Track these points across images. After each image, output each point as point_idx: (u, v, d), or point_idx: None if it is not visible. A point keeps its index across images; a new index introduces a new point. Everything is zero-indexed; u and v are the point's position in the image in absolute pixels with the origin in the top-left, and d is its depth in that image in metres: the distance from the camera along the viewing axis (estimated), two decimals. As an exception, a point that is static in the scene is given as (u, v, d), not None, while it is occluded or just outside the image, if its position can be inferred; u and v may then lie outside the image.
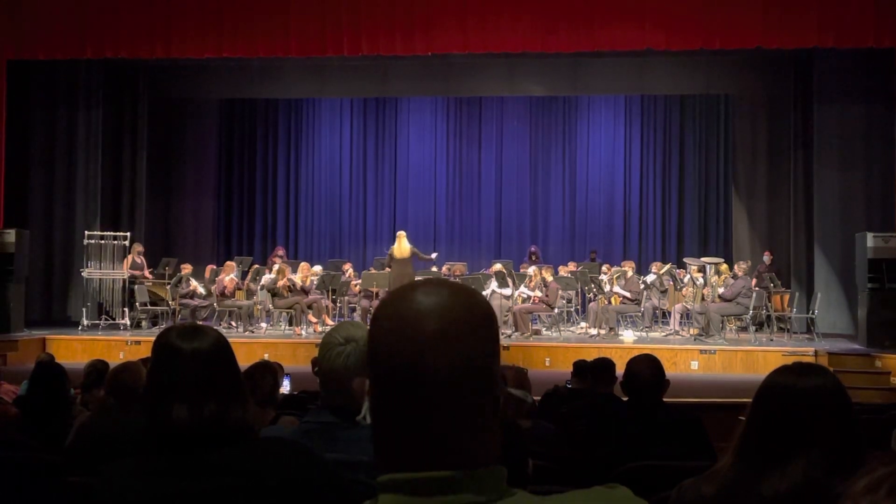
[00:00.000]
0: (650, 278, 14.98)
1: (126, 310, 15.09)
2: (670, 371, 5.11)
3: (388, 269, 15.23)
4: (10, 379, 7.28)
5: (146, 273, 15.56)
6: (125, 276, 15.23)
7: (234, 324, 14.92)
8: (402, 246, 14.51)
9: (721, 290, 13.92)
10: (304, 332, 14.08)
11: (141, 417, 1.96)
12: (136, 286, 14.99)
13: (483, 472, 1.13)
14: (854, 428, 2.05)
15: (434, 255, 15.50)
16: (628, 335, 14.08)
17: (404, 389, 1.13)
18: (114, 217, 16.81)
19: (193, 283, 14.94)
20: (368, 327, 1.21)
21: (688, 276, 14.87)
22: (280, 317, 15.01)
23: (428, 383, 1.12)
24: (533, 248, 17.91)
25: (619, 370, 4.94)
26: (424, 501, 1.10)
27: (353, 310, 15.34)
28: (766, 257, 15.66)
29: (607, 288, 14.76)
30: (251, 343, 13.27)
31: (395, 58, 15.22)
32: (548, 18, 13.88)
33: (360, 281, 15.44)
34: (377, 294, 14.56)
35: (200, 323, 7.31)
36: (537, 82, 17.25)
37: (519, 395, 4.00)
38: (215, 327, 6.98)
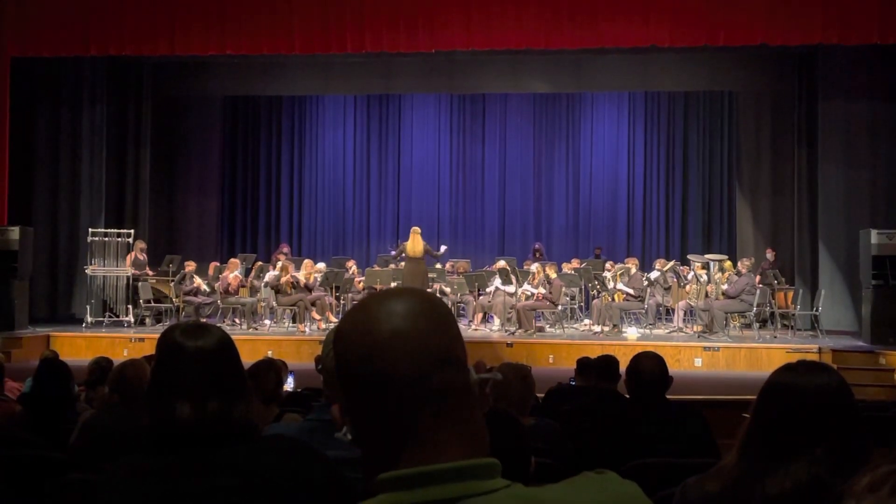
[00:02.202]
0: (654, 275, 14.97)
1: (130, 307, 15.11)
2: (674, 368, 5.10)
3: (392, 267, 15.22)
4: (14, 376, 7.29)
5: (148, 271, 15.58)
6: (129, 274, 15.24)
7: (237, 321, 14.93)
8: (416, 243, 14.44)
9: (725, 287, 13.90)
10: (307, 330, 14.09)
11: (145, 415, 1.96)
12: (139, 283, 15.00)
13: (474, 464, 1.14)
14: (858, 426, 2.05)
15: (443, 249, 15.33)
16: (632, 332, 14.08)
17: (374, 393, 1.16)
18: (118, 214, 16.82)
19: (197, 280, 14.95)
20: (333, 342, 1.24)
21: (691, 273, 14.85)
22: (283, 314, 15.02)
23: (393, 383, 1.15)
24: (537, 245, 17.89)
25: (623, 367, 4.94)
26: (417, 495, 1.12)
27: (357, 307, 15.31)
28: (769, 254, 15.66)
29: (611, 285, 14.75)
30: (255, 340, 13.28)
31: (398, 55, 15.20)
32: (551, 15, 13.87)
33: (363, 278, 15.45)
34: (381, 291, 14.50)
35: (204, 321, 7.32)
36: (541, 79, 17.24)
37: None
38: (219, 325, 6.99)
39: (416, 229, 14.73)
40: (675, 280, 15.02)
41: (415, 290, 1.26)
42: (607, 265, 15.78)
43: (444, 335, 1.20)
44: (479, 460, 1.15)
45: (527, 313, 14.02)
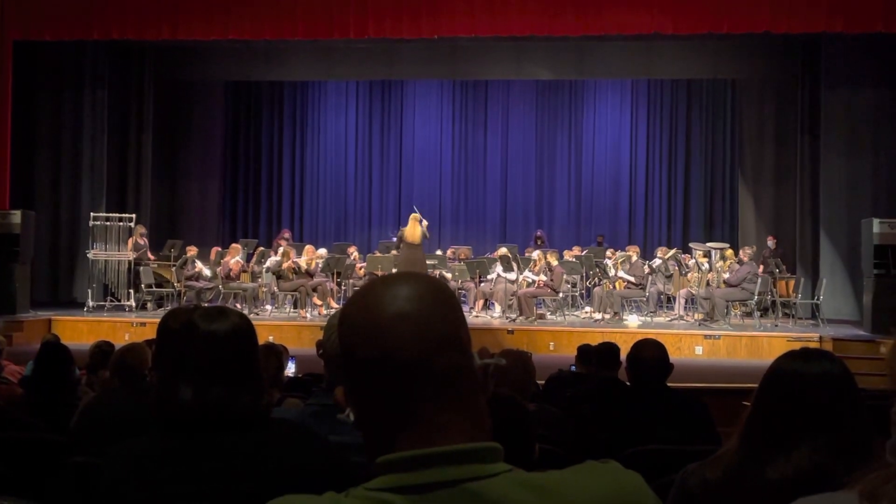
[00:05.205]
0: (655, 263, 14.96)
1: (131, 291, 15.12)
2: (674, 356, 5.10)
3: (394, 253, 15.20)
4: (15, 359, 7.31)
5: (149, 255, 15.58)
6: (131, 258, 15.24)
7: (238, 306, 14.90)
8: (414, 229, 14.41)
9: (726, 276, 13.90)
10: (308, 315, 14.10)
11: (145, 399, 1.95)
12: (141, 268, 15.01)
13: (475, 447, 1.15)
14: (860, 414, 2.05)
15: (425, 224, 14.97)
16: (633, 320, 14.08)
17: (377, 375, 1.16)
18: (119, 199, 16.82)
19: (199, 265, 14.95)
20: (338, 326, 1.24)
21: (693, 261, 14.85)
22: (285, 299, 15.03)
23: (396, 365, 1.15)
24: (539, 233, 17.89)
25: (624, 354, 4.94)
26: (418, 477, 1.12)
27: (358, 293, 15.26)
28: (770, 242, 15.66)
29: (612, 272, 14.75)
30: (256, 325, 13.13)
31: (401, 41, 15.18)
32: (555, 2, 13.84)
33: (364, 264, 15.45)
34: (382, 277, 14.51)
35: (205, 304, 7.32)
36: (544, 66, 17.19)
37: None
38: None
39: (416, 215, 14.72)
40: (677, 268, 15.02)
41: (420, 274, 1.26)
42: (608, 253, 15.77)
43: (448, 319, 1.20)
44: (480, 444, 1.15)
45: (528, 300, 14.02)
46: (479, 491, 1.11)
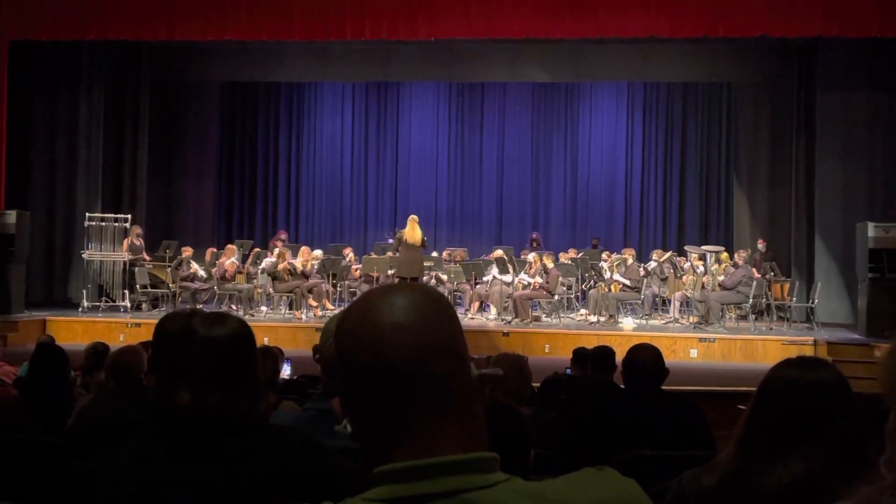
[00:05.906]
0: (651, 266, 14.97)
1: (126, 292, 15.09)
2: (669, 359, 5.10)
3: (389, 255, 15.19)
4: (10, 360, 7.28)
5: (145, 256, 15.56)
6: (126, 259, 15.21)
7: (234, 307, 14.90)
8: (415, 231, 14.42)
9: (721, 279, 13.91)
10: (304, 317, 14.09)
11: (141, 401, 1.95)
12: (136, 268, 14.99)
13: (472, 457, 1.15)
14: (856, 422, 2.05)
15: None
16: (628, 322, 14.09)
17: (374, 385, 1.16)
18: (115, 199, 16.79)
19: (194, 265, 14.93)
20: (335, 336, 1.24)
21: (688, 263, 14.86)
22: (280, 301, 15.01)
23: (394, 375, 1.15)
24: (535, 235, 17.90)
25: (619, 357, 4.94)
26: (415, 488, 1.12)
27: (354, 294, 15.30)
28: (761, 245, 15.66)
29: (607, 275, 14.76)
30: (251, 327, 13.23)
31: (397, 42, 15.17)
32: (551, 4, 13.84)
33: (360, 265, 15.45)
34: (378, 279, 14.58)
35: (200, 308, 7.31)
36: (540, 68, 17.20)
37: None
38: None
39: (414, 218, 14.70)
40: (672, 271, 15.03)
41: (417, 284, 1.27)
42: (604, 255, 15.78)
43: (446, 329, 1.20)
44: (477, 454, 1.15)
45: (523, 302, 14.02)
46: (476, 501, 1.11)
